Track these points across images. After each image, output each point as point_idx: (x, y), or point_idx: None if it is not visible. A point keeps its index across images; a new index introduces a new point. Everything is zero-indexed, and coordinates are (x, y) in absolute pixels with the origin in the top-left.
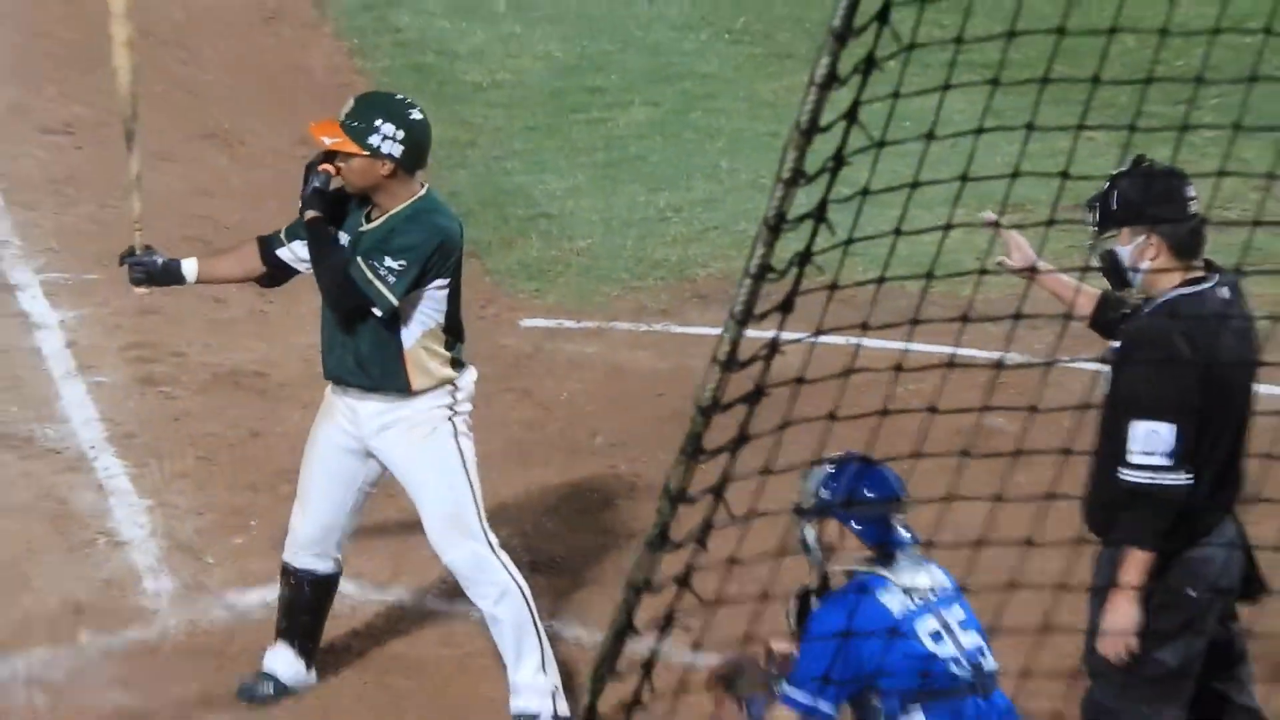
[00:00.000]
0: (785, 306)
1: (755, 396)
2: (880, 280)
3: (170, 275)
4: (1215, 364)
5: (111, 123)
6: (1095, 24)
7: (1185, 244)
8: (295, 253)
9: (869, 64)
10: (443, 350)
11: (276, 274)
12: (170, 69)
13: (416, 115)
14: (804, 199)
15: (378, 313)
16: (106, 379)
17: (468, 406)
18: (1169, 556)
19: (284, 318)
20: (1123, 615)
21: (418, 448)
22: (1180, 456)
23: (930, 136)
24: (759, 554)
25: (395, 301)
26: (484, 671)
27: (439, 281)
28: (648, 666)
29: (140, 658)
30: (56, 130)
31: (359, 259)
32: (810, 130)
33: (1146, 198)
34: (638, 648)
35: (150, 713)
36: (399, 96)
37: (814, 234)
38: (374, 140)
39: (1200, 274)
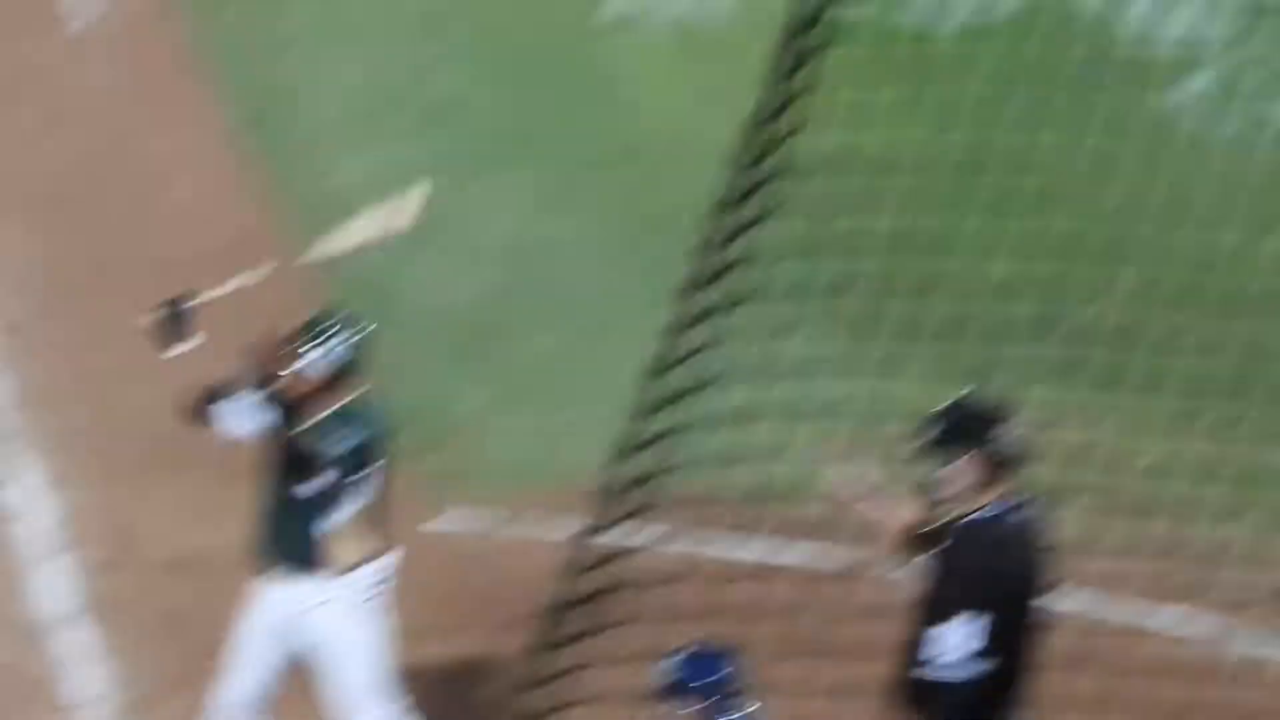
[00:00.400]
0: (635, 516)
1: (606, 593)
2: (716, 498)
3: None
4: (1016, 574)
5: None
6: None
7: (1000, 469)
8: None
9: (714, 310)
10: (367, 530)
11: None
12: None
13: (352, 335)
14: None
15: (316, 486)
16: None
17: (385, 586)
18: None
19: (225, 507)
20: None
21: (343, 625)
22: (980, 653)
23: (764, 374)
24: None
25: (334, 478)
26: None
27: (367, 470)
28: None
29: None
30: None
31: (314, 441)
32: (663, 367)
33: (974, 425)
34: None
35: None
36: (336, 317)
37: (661, 457)
38: (310, 356)
39: (1011, 495)
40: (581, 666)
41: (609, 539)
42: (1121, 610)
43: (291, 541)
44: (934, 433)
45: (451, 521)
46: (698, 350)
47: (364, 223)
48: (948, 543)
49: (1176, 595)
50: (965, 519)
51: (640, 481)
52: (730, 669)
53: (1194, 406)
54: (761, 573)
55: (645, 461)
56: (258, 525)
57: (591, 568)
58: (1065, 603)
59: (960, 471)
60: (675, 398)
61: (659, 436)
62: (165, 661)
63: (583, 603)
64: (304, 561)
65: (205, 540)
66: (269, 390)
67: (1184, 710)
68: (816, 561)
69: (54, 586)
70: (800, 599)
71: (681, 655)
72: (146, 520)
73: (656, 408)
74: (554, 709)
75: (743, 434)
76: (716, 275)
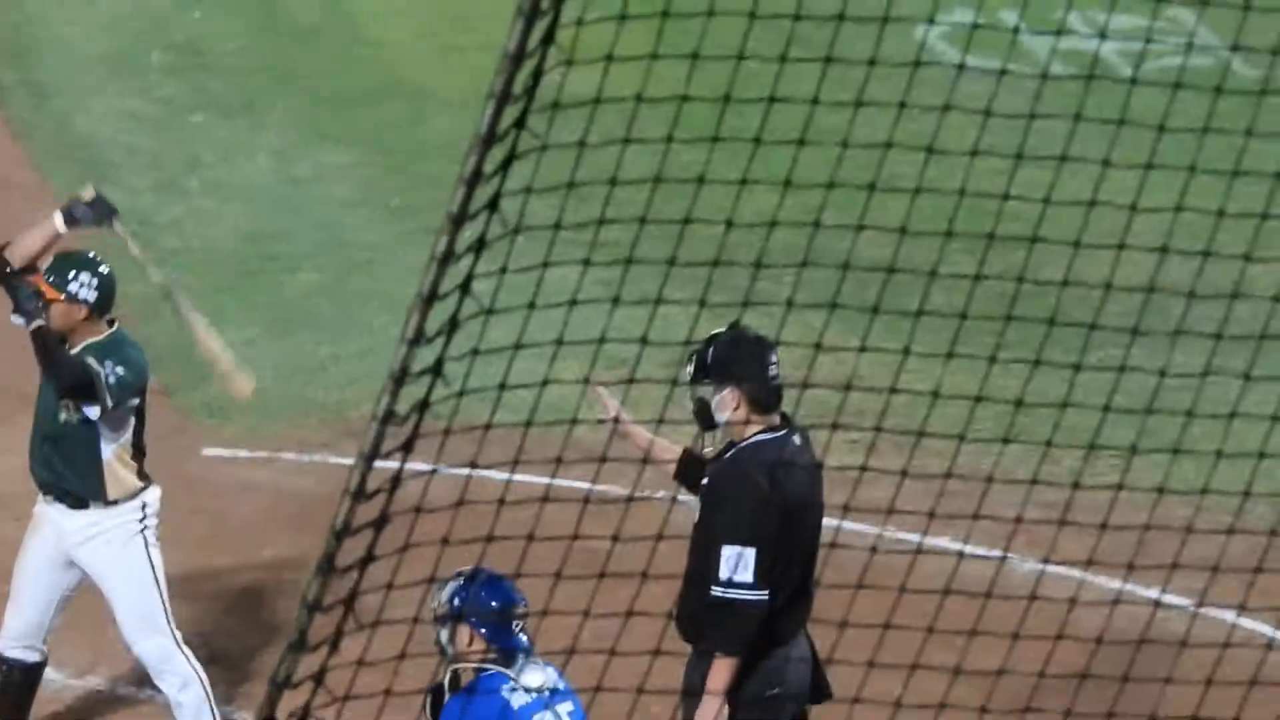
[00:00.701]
0: (407, 447)
1: (381, 523)
2: (487, 426)
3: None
4: (784, 502)
5: None
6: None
7: (764, 400)
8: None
9: (480, 243)
10: (131, 462)
11: None
12: None
13: (104, 269)
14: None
15: (92, 413)
16: None
17: (155, 521)
18: (751, 663)
19: (7, 439)
20: (710, 713)
21: (114, 558)
22: (760, 577)
23: (531, 305)
24: (391, 656)
25: (111, 405)
26: None
27: (132, 401)
28: None
29: None
30: None
31: (91, 359)
32: (431, 298)
33: (736, 357)
34: None
35: None
36: (90, 254)
37: (431, 387)
38: (72, 287)
39: (776, 424)
40: (358, 595)
41: (382, 468)
42: (896, 536)
43: (61, 473)
44: (697, 366)
45: (218, 455)
46: (464, 282)
47: (216, 344)
48: (716, 473)
49: (950, 521)
50: (732, 450)
51: (410, 412)
52: (508, 595)
53: (959, 337)
54: (537, 500)
55: (414, 392)
56: (31, 457)
57: (364, 497)
58: (839, 529)
59: (724, 403)
60: (442, 330)
61: (428, 369)
62: None
63: (357, 531)
64: (73, 493)
65: None
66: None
67: (965, 626)
68: (593, 488)
69: None
70: (579, 524)
71: (458, 582)
72: None
73: (424, 339)
74: (331, 638)
75: (511, 364)
76: (480, 209)
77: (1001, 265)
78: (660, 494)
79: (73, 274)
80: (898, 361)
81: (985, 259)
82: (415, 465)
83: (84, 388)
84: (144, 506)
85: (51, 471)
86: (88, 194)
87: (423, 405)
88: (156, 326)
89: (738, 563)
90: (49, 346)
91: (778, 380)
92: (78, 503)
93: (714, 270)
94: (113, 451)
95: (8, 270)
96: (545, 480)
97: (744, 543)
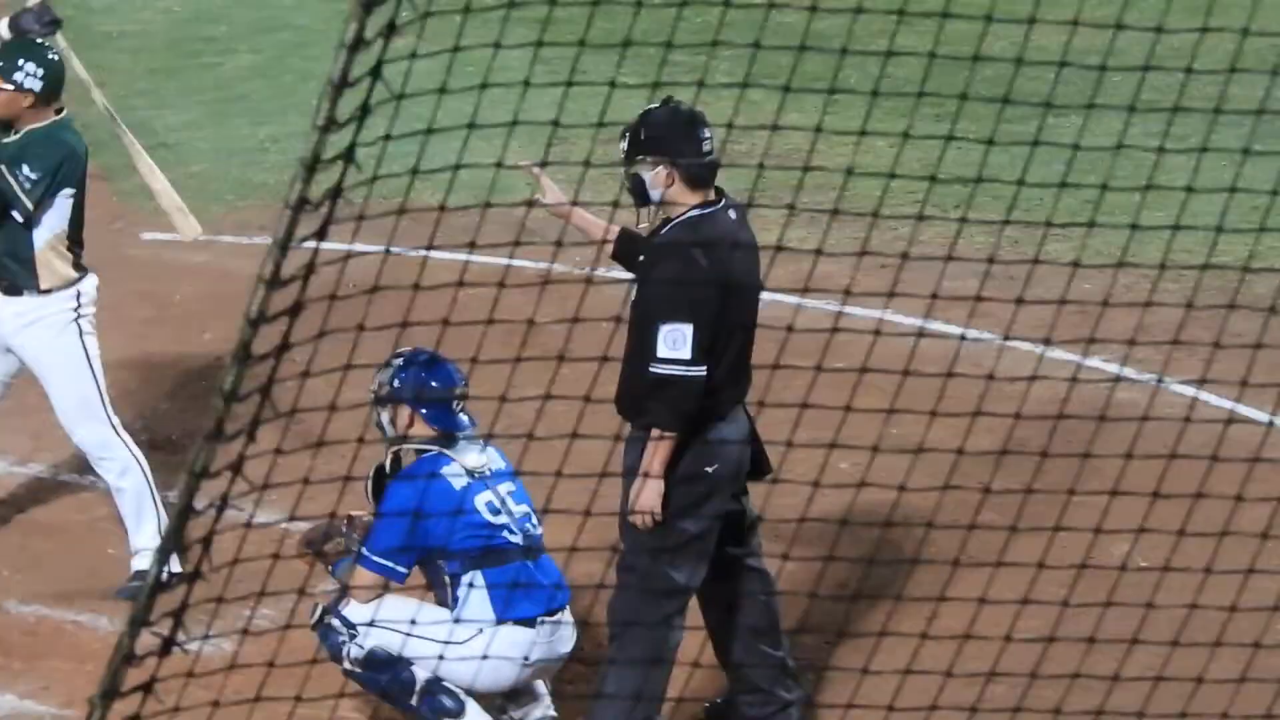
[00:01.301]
0: (320, 234)
1: (295, 310)
2: (442, 208)
3: None
4: (718, 276)
5: None
6: None
7: (699, 175)
8: None
9: (390, 29)
10: (66, 253)
11: None
12: None
13: (53, 56)
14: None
15: (18, 216)
16: None
17: (91, 309)
18: (690, 439)
19: None
20: (650, 490)
21: (48, 345)
22: (698, 353)
23: (441, 91)
24: (308, 444)
25: (31, 206)
26: (110, 534)
27: (66, 190)
28: (206, 541)
29: None
30: None
31: (1, 167)
32: (340, 85)
33: (669, 133)
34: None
35: None
36: (39, 42)
37: (344, 173)
38: (18, 77)
39: (713, 199)
40: (273, 383)
41: (307, 250)
42: (820, 308)
43: None
44: (630, 142)
45: (158, 239)
46: (374, 68)
47: (161, 184)
48: (652, 250)
49: (875, 293)
50: (667, 226)
51: (324, 198)
52: (448, 376)
53: (881, 109)
54: (469, 280)
55: (335, 174)
56: None
57: (278, 284)
58: (773, 303)
59: (658, 179)
60: (363, 112)
61: (339, 154)
62: None
63: (273, 319)
64: (10, 279)
65: None
66: None
67: (888, 394)
68: (526, 266)
69: None
70: (519, 303)
71: (398, 363)
72: None
73: (335, 125)
74: (248, 427)
75: (438, 144)
76: None
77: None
78: (614, 272)
79: (20, 62)
80: (853, 142)
81: (939, 38)
82: (340, 246)
83: (4, 186)
84: (78, 295)
85: None
86: (33, 1)
87: (335, 191)
88: (93, 111)
89: (676, 339)
90: None
91: (712, 154)
92: (11, 289)
93: (667, 50)
94: (46, 241)
95: None
96: (464, 258)
97: (681, 319)
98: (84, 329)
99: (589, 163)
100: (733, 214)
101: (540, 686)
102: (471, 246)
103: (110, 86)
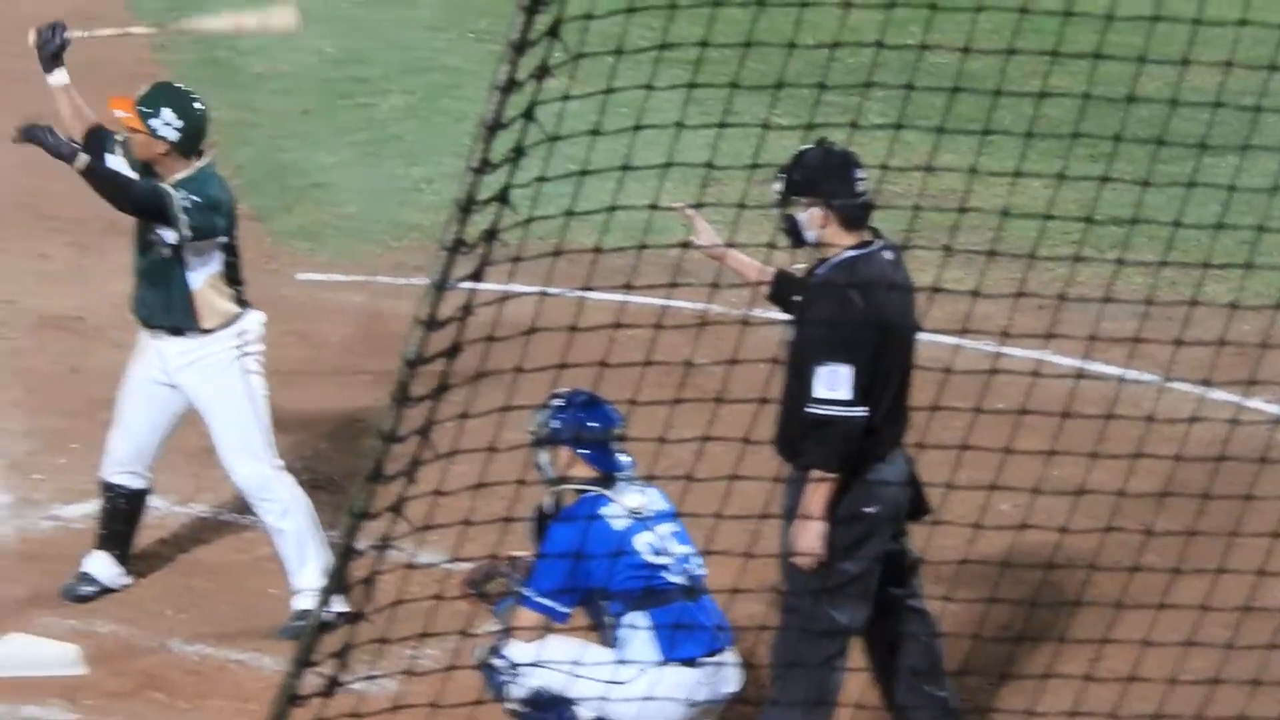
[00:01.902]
0: (476, 276)
1: (452, 352)
2: (598, 249)
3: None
4: (876, 318)
5: None
6: (782, 29)
7: (853, 215)
8: (119, 164)
9: (543, 70)
10: (226, 288)
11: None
12: (3, 64)
13: (197, 106)
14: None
15: (170, 236)
16: None
17: (257, 346)
18: (849, 480)
19: (99, 269)
20: (811, 531)
21: (211, 382)
22: (858, 393)
23: (595, 133)
24: (468, 485)
25: (189, 233)
26: (272, 574)
27: (219, 237)
28: (368, 582)
29: None
30: None
31: (167, 187)
32: (494, 126)
33: (823, 174)
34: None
35: None
36: (185, 89)
37: (499, 214)
38: (154, 123)
39: (868, 240)
40: (433, 425)
41: (464, 292)
42: (978, 349)
43: (156, 306)
44: (785, 184)
45: (312, 279)
46: (528, 110)
47: (243, 16)
48: (809, 291)
49: (1032, 335)
50: (821, 266)
51: (488, 235)
52: (606, 416)
53: (1035, 150)
54: (625, 321)
55: (490, 216)
56: (133, 279)
57: (436, 325)
58: (931, 343)
59: (813, 220)
60: (516, 153)
61: (494, 196)
62: (46, 420)
63: (430, 360)
64: (173, 321)
65: (75, 302)
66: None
67: (1048, 435)
68: (683, 307)
69: None
70: (676, 344)
71: (557, 404)
72: (12, 284)
73: (497, 163)
74: (413, 464)
75: (592, 185)
76: (541, 35)
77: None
78: (770, 314)
79: (160, 109)
80: (981, 174)
81: (1092, 78)
82: (497, 287)
83: (155, 208)
84: (242, 333)
85: (147, 306)
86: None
87: (491, 233)
88: (246, 152)
89: (834, 379)
90: (103, 175)
91: (865, 195)
92: (174, 330)
93: (820, 91)
94: (204, 281)
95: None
96: (621, 299)
97: (839, 360)
98: (248, 367)
99: (743, 204)
100: (888, 254)
101: None
102: (628, 288)
103: (262, 127)
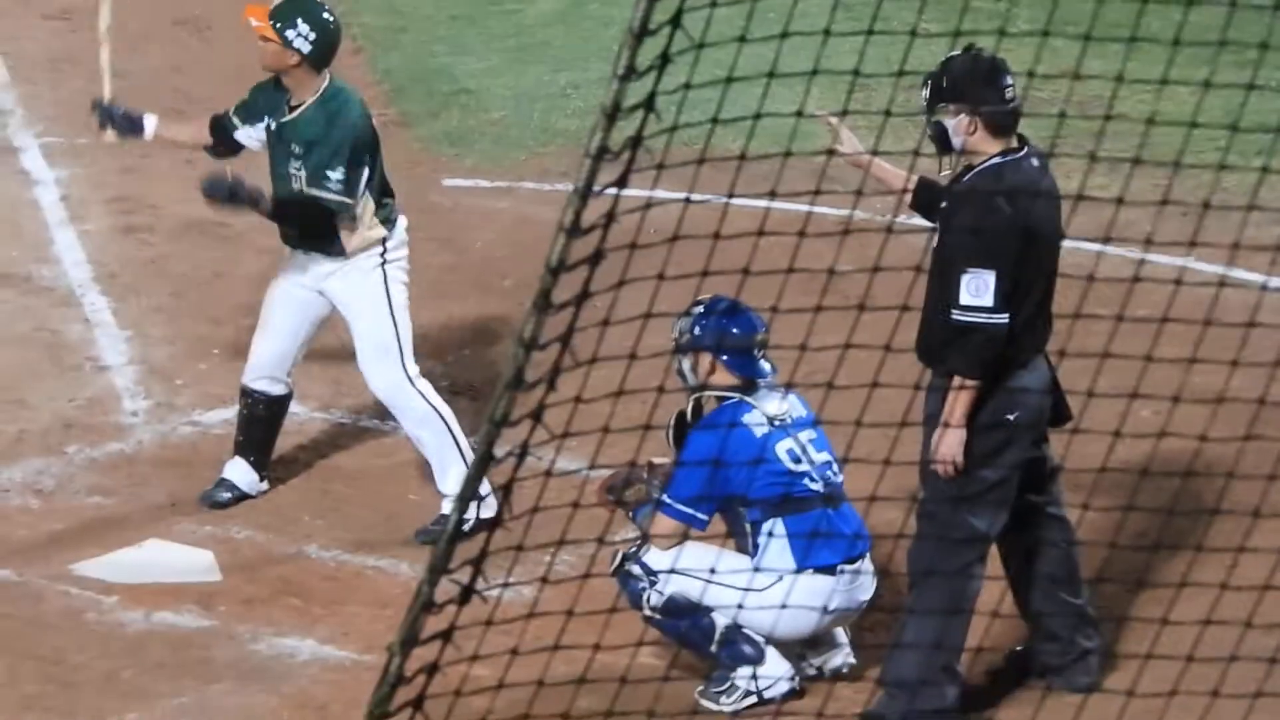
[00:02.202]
0: (620, 183)
1: (596, 258)
2: (743, 156)
3: (130, 125)
4: (1021, 225)
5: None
6: None
7: (1001, 122)
8: (249, 135)
9: None
10: (373, 213)
11: (228, 148)
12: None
13: (330, 19)
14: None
15: (348, 216)
16: (93, 227)
17: (401, 253)
18: (991, 387)
19: (246, 175)
20: (952, 437)
21: (354, 287)
22: (1001, 300)
23: (741, 39)
24: (608, 393)
25: (353, 201)
26: (412, 480)
27: (362, 170)
28: (506, 489)
29: (119, 467)
30: (54, 16)
31: (312, 190)
32: (640, 33)
33: (971, 80)
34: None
35: (127, 515)
36: (319, 1)
37: (644, 121)
38: (289, 34)
39: (1015, 147)
40: (574, 332)
41: (608, 198)
42: (1122, 256)
43: (305, 228)
44: (933, 90)
45: (459, 185)
46: (674, 18)
47: None
48: (955, 197)
49: (1177, 242)
50: (969, 173)
51: (633, 142)
52: (749, 322)
53: (1182, 56)
54: (769, 229)
55: (635, 122)
56: (276, 208)
57: (579, 233)
58: (1075, 250)
59: (960, 126)
60: (663, 60)
61: (640, 103)
62: (189, 326)
63: (573, 268)
64: (318, 246)
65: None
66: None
67: (1190, 343)
68: (827, 214)
69: (78, 253)
70: (819, 251)
71: (699, 310)
72: (157, 189)
73: (635, 74)
74: (554, 370)
75: (738, 92)
76: None
77: None
78: (914, 220)
79: (296, 20)
80: (1154, 89)
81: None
82: (638, 193)
83: (325, 225)
84: (384, 240)
85: (291, 230)
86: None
87: (636, 139)
88: (393, 58)
89: (978, 286)
90: (281, 208)
91: (1015, 101)
92: (319, 251)
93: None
94: (355, 208)
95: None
96: (765, 205)
97: (984, 265)
98: (389, 275)
99: (889, 111)
100: (1035, 162)
101: (840, 635)
102: (772, 195)
103: (410, 32)
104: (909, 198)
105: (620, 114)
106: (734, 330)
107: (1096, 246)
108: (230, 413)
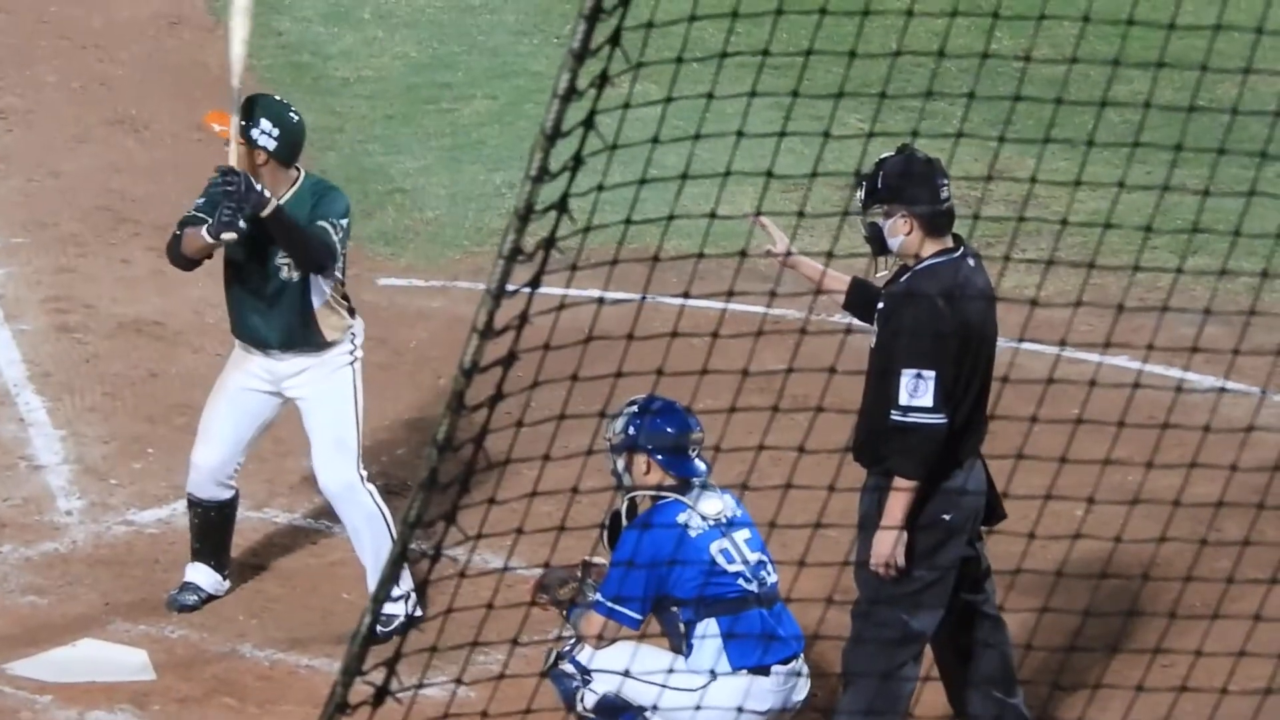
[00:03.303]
0: (534, 283)
1: (508, 360)
2: (656, 257)
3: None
4: (958, 325)
5: (37, 110)
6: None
7: (936, 222)
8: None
9: (603, 79)
10: (342, 302)
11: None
12: (88, 66)
13: (294, 116)
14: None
15: (334, 264)
16: (28, 326)
17: (361, 353)
18: (929, 488)
19: (179, 275)
20: (890, 538)
21: (322, 387)
22: (940, 400)
23: (655, 140)
24: (522, 495)
25: (340, 259)
26: (346, 579)
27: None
28: (421, 589)
29: (53, 566)
30: None
31: (319, 222)
32: (553, 135)
33: (905, 181)
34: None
35: (61, 614)
36: (280, 99)
37: (557, 222)
38: (253, 133)
39: (950, 247)
40: (487, 433)
41: (532, 297)
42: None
43: (280, 326)
44: (868, 190)
45: (393, 284)
46: (587, 119)
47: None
48: (892, 297)
49: (1124, 341)
50: (906, 274)
51: (537, 248)
52: (683, 422)
53: (1125, 158)
54: (702, 327)
55: (549, 223)
56: (238, 320)
57: (492, 334)
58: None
59: (896, 227)
60: (567, 166)
61: (552, 205)
62: (124, 425)
63: (486, 370)
64: (294, 343)
65: (154, 307)
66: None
67: (1146, 441)
68: (760, 314)
69: (13, 352)
70: (745, 351)
71: (633, 410)
72: (93, 289)
73: (548, 175)
74: (467, 471)
75: (670, 193)
76: (602, 44)
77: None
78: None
79: (259, 119)
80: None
81: (1155, 83)
82: (555, 291)
83: (320, 261)
84: (354, 338)
85: (262, 332)
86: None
87: (549, 240)
88: (330, 158)
89: (917, 386)
90: (291, 226)
91: (949, 201)
92: (291, 348)
93: (882, 100)
94: (325, 298)
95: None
96: (680, 303)
97: (923, 366)
98: (357, 372)
99: (801, 212)
100: (971, 261)
101: None
102: (686, 295)
103: (346, 132)
104: (840, 298)
105: (533, 215)
106: (668, 430)
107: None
108: (164, 512)
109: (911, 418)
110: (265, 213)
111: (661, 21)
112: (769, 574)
